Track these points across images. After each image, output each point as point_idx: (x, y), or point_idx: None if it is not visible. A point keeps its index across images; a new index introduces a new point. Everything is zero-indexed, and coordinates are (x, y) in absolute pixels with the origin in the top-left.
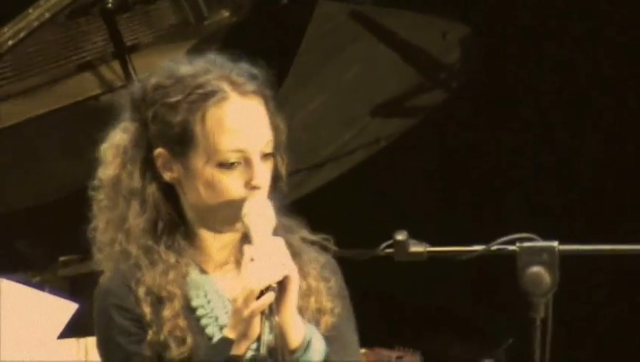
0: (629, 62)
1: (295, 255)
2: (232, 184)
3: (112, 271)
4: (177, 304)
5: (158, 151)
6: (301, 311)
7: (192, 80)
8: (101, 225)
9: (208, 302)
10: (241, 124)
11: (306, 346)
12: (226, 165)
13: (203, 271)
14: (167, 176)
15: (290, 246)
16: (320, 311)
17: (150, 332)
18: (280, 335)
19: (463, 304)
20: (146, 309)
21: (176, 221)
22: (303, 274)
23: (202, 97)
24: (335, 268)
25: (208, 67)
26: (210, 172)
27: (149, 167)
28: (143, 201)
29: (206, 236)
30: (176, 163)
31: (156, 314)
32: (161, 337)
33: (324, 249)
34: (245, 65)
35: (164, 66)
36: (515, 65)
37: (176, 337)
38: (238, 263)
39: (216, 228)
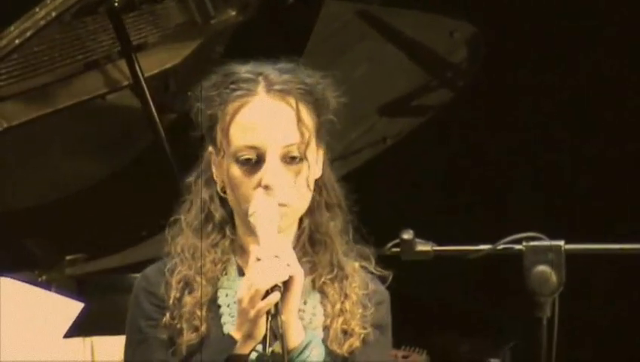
0: (630, 62)
1: (343, 277)
2: (246, 182)
3: None
4: (203, 293)
5: (210, 148)
6: (326, 328)
7: (231, 75)
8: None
9: (234, 302)
10: (260, 121)
11: (303, 348)
12: (240, 161)
13: (242, 273)
14: (214, 174)
15: (341, 269)
16: (346, 333)
17: (168, 316)
18: (282, 334)
19: (469, 303)
20: (172, 293)
21: (225, 220)
22: (343, 296)
23: (230, 91)
24: (382, 299)
25: (258, 67)
26: (231, 168)
27: (207, 166)
28: (196, 199)
29: (248, 240)
30: (217, 159)
31: (180, 301)
32: (178, 323)
33: (382, 280)
34: (303, 71)
35: (226, 65)
36: (516, 64)
37: (191, 324)
38: None
39: (247, 229)
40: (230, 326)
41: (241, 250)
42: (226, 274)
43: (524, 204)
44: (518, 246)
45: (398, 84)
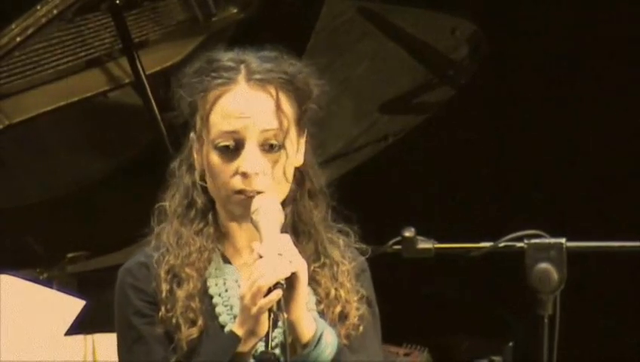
0: (630, 62)
1: (332, 264)
2: (225, 169)
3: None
4: (192, 286)
5: (191, 135)
6: (323, 314)
7: (212, 63)
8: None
9: (226, 290)
10: (238, 108)
11: (317, 340)
12: (219, 148)
13: (227, 261)
14: (196, 161)
15: (327, 256)
16: (344, 318)
17: (163, 309)
18: (289, 331)
19: (471, 301)
20: (164, 286)
21: (206, 208)
22: (337, 284)
23: (211, 79)
24: (362, 268)
25: (240, 55)
26: (211, 155)
27: (190, 152)
28: (179, 185)
29: (232, 226)
30: (199, 147)
31: (172, 293)
32: (173, 317)
33: (361, 253)
34: (285, 59)
35: (209, 52)
36: (518, 63)
37: (187, 318)
38: None
39: (228, 215)
40: (226, 316)
41: (224, 238)
42: (211, 262)
43: (525, 201)
44: (519, 244)
45: (400, 81)
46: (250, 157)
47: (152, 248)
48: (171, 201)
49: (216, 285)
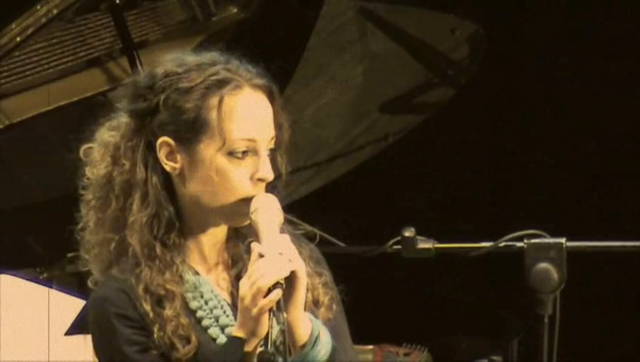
0: (630, 62)
1: None
2: (239, 174)
3: (100, 273)
4: (177, 302)
5: (162, 139)
6: None
7: (206, 68)
8: (90, 225)
9: (206, 302)
10: (253, 114)
11: (314, 341)
12: (235, 154)
13: (196, 273)
14: (168, 166)
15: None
16: (317, 304)
17: (155, 330)
18: (288, 331)
19: (471, 301)
20: (147, 307)
21: (173, 217)
22: None
23: (218, 84)
24: (318, 256)
25: (215, 60)
26: (219, 160)
27: (149, 158)
28: (144, 195)
29: (199, 234)
30: (181, 152)
31: (157, 314)
32: (166, 337)
33: (309, 239)
34: (248, 64)
35: (170, 57)
36: (518, 63)
37: (180, 336)
38: (226, 264)
39: (217, 221)
40: (214, 329)
41: (191, 250)
42: (184, 277)
43: (525, 201)
44: (519, 244)
45: (400, 81)
46: (266, 164)
47: (119, 271)
48: (137, 213)
49: (194, 299)
